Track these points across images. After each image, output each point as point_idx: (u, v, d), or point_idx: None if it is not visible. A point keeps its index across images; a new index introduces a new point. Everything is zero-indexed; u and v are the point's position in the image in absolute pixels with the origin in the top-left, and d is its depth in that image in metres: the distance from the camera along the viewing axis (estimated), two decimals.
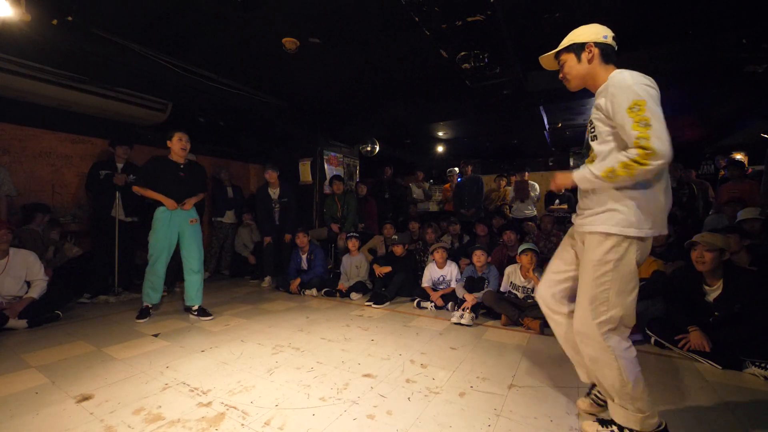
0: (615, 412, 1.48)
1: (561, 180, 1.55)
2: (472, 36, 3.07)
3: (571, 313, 1.63)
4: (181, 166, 3.29)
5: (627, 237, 1.38)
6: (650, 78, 1.37)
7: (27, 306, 3.03)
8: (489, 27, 2.92)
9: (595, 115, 1.48)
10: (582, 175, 1.45)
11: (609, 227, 1.40)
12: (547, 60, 1.69)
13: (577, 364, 1.74)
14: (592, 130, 1.50)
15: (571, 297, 1.66)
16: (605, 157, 1.42)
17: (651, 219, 1.39)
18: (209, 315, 3.30)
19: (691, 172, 5.48)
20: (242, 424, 1.63)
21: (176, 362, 2.31)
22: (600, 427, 1.51)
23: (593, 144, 1.50)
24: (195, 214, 3.38)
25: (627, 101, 1.30)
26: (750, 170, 5.72)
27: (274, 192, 4.93)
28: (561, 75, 1.63)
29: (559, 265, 1.72)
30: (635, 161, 1.27)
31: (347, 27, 3.27)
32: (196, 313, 3.30)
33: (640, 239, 1.39)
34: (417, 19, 2.86)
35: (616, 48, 1.52)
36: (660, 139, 1.24)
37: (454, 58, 3.44)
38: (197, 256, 3.33)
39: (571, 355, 1.73)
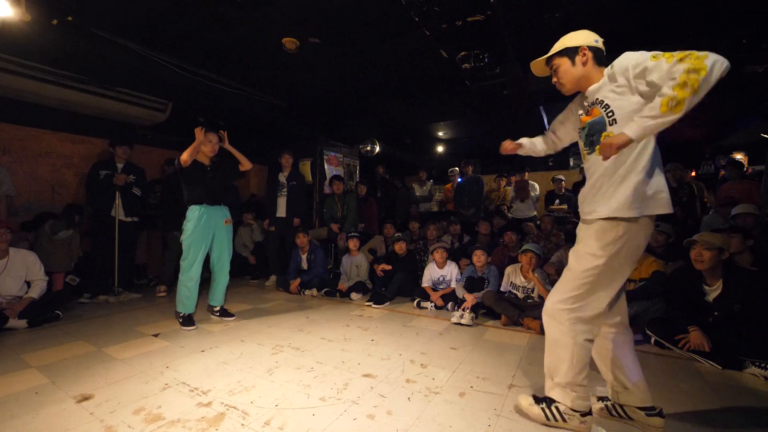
0: (551, 389, 1.60)
1: (616, 140, 1.32)
2: (472, 36, 3.07)
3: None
4: (208, 168, 3.21)
5: (625, 221, 1.42)
6: None
7: (27, 306, 3.03)
8: (489, 27, 2.92)
9: (610, 99, 1.47)
10: (638, 127, 1.28)
11: (612, 212, 1.43)
12: (537, 66, 1.71)
13: (605, 377, 1.70)
14: (610, 113, 1.47)
15: None
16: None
17: (654, 196, 1.41)
18: (232, 315, 3.31)
19: (690, 172, 5.47)
20: (242, 424, 1.63)
21: (176, 362, 2.31)
22: (533, 402, 1.64)
23: (613, 128, 1.45)
24: (229, 214, 3.32)
25: (645, 57, 1.33)
26: (750, 170, 5.71)
27: (283, 176, 4.93)
28: (555, 79, 1.67)
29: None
30: (691, 70, 1.16)
31: (347, 27, 3.27)
32: (218, 313, 3.31)
33: (636, 222, 1.42)
34: (417, 19, 2.86)
35: (605, 52, 1.58)
36: (699, 50, 1.19)
37: (454, 58, 3.44)
38: (228, 259, 3.31)
39: (601, 368, 1.69)
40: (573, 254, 1.58)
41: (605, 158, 1.42)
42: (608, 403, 1.70)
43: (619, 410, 1.65)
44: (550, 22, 3.14)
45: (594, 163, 1.55)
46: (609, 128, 1.49)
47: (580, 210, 1.63)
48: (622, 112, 1.44)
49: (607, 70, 1.50)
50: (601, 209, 1.48)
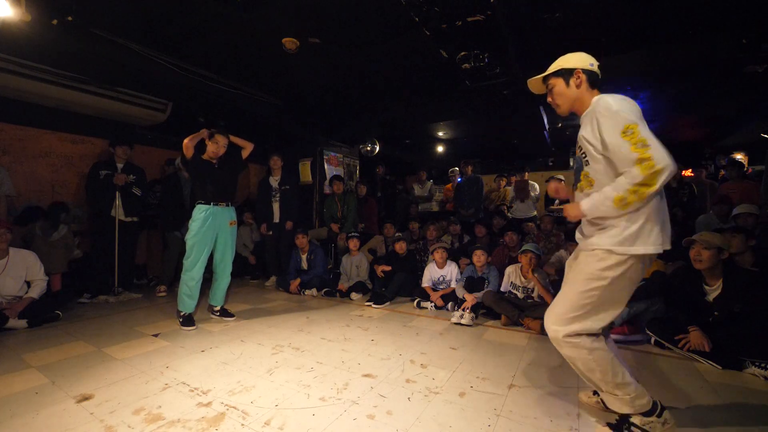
0: (608, 400, 1.55)
1: (572, 211, 1.51)
2: (472, 36, 3.07)
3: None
4: (215, 165, 3.23)
5: (632, 255, 1.38)
6: (629, 98, 1.42)
7: (27, 306, 3.03)
8: (489, 27, 2.92)
9: (582, 141, 1.52)
10: (593, 206, 1.42)
11: (614, 245, 1.39)
12: (534, 84, 1.73)
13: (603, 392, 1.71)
14: (583, 155, 1.53)
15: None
16: (602, 178, 1.45)
17: (656, 232, 1.38)
18: (232, 315, 3.32)
19: (701, 172, 5.47)
20: (242, 424, 1.63)
21: (176, 362, 2.31)
22: (611, 431, 1.54)
23: (587, 168, 1.52)
24: (234, 216, 3.32)
25: (619, 126, 1.34)
26: (750, 170, 5.72)
27: (275, 180, 4.88)
28: (550, 99, 1.68)
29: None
30: (643, 184, 1.28)
31: (347, 27, 3.27)
32: (218, 313, 3.32)
33: (644, 256, 1.39)
34: (417, 19, 2.86)
35: (600, 76, 1.58)
36: (662, 156, 1.26)
37: (454, 58, 3.44)
38: (231, 260, 3.32)
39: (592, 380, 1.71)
40: (570, 275, 1.55)
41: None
42: (599, 396, 1.72)
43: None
44: (550, 22, 3.14)
45: (578, 198, 1.57)
46: (585, 168, 1.53)
47: (578, 237, 1.61)
48: (592, 157, 1.48)
49: (588, 110, 1.50)
50: (597, 242, 1.45)
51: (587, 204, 1.44)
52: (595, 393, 1.59)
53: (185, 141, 3.04)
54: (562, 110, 1.65)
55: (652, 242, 1.38)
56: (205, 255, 3.12)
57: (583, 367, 1.51)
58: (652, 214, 1.38)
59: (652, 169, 1.25)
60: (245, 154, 3.45)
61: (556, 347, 1.56)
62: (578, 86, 1.56)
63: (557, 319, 1.52)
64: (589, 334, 1.48)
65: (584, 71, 1.56)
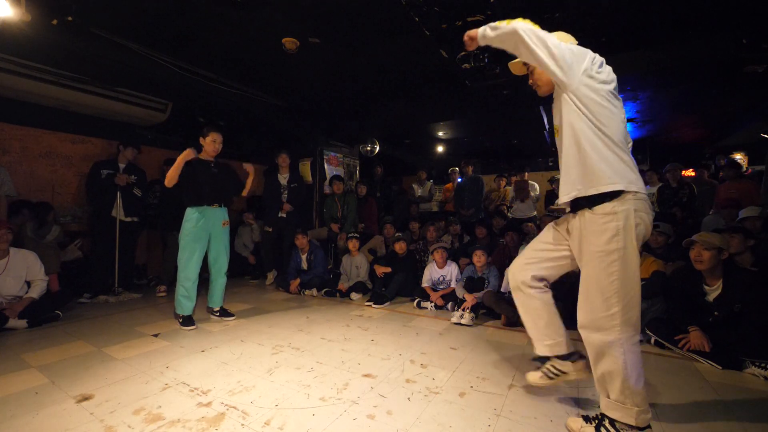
0: (609, 408, 1.45)
1: (470, 31, 1.62)
2: None
3: (545, 286, 1.68)
4: (212, 164, 3.21)
5: (621, 210, 1.37)
6: (591, 55, 1.49)
7: (27, 306, 3.03)
8: None
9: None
10: (484, 28, 1.56)
11: (597, 189, 1.39)
12: (516, 66, 1.72)
13: (534, 339, 1.73)
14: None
15: (548, 275, 1.68)
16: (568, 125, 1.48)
17: (628, 178, 1.39)
18: (231, 315, 3.31)
19: (704, 173, 5.47)
20: (242, 424, 1.63)
21: (176, 362, 2.31)
22: (584, 423, 1.52)
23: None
24: (227, 216, 3.30)
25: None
26: (750, 170, 5.71)
27: (283, 177, 4.93)
28: (531, 81, 1.68)
29: (540, 245, 1.72)
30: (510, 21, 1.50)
31: (347, 27, 3.27)
32: (218, 314, 3.31)
33: (631, 198, 1.38)
34: (417, 19, 2.86)
35: None
36: (518, 23, 1.46)
37: (454, 58, 3.44)
38: (226, 260, 3.30)
39: (530, 327, 1.73)
40: (585, 260, 1.47)
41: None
42: (544, 368, 1.72)
43: (552, 369, 1.68)
44: (550, 22, 3.14)
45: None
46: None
47: (559, 201, 1.59)
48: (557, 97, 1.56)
49: None
50: (577, 188, 1.46)
51: (480, 28, 1.57)
52: (586, 421, 1.53)
53: (170, 175, 3.03)
54: (542, 91, 1.65)
55: (625, 182, 1.38)
56: (198, 254, 3.10)
57: (608, 365, 1.43)
58: (613, 169, 1.39)
59: (518, 25, 1.46)
60: (243, 193, 3.50)
61: (589, 340, 1.48)
62: None
63: (595, 306, 1.43)
64: (634, 331, 1.42)
65: None
